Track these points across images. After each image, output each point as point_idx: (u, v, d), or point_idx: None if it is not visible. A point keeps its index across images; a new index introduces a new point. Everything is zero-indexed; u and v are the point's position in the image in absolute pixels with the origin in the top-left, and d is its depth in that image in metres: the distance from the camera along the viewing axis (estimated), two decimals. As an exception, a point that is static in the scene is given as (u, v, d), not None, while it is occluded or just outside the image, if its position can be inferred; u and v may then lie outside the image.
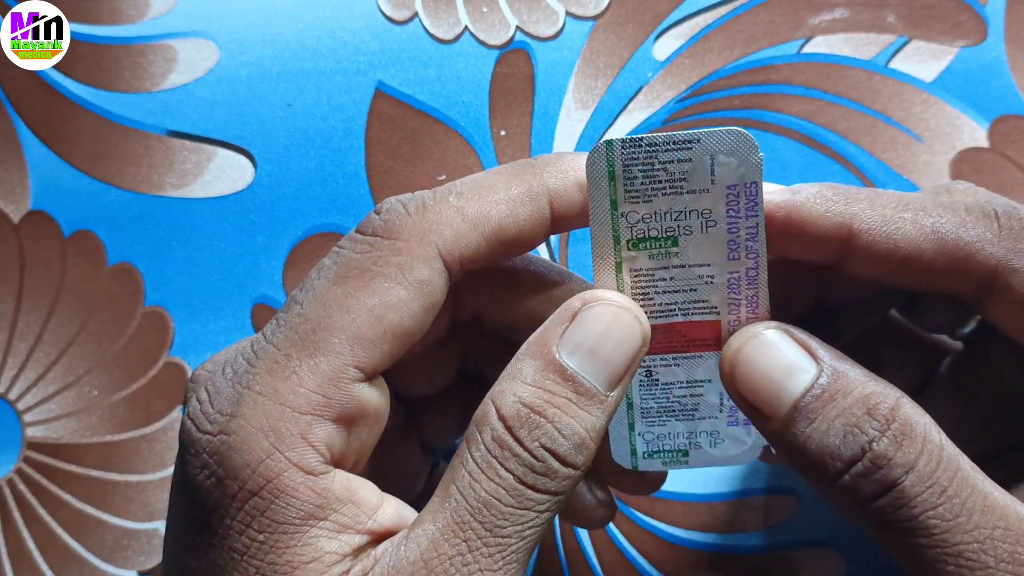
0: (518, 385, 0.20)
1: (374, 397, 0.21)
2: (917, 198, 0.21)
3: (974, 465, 0.20)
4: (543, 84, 0.34)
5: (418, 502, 0.22)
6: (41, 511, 0.31)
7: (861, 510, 0.20)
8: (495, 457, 0.20)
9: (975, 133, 0.33)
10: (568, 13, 0.34)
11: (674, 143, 0.20)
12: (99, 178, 0.33)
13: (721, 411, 0.23)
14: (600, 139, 0.21)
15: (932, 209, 0.21)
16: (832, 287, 0.24)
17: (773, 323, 0.22)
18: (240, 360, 0.20)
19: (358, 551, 0.20)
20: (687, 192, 0.21)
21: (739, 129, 0.20)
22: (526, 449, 0.20)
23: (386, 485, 0.22)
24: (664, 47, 0.34)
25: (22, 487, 0.32)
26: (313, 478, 0.20)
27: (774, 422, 0.20)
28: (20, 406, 0.32)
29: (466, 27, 0.34)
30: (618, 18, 0.34)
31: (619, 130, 0.33)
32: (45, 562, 0.31)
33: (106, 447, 0.32)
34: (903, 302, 0.26)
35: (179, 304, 0.33)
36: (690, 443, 0.24)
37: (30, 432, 0.32)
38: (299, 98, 0.34)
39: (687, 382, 0.23)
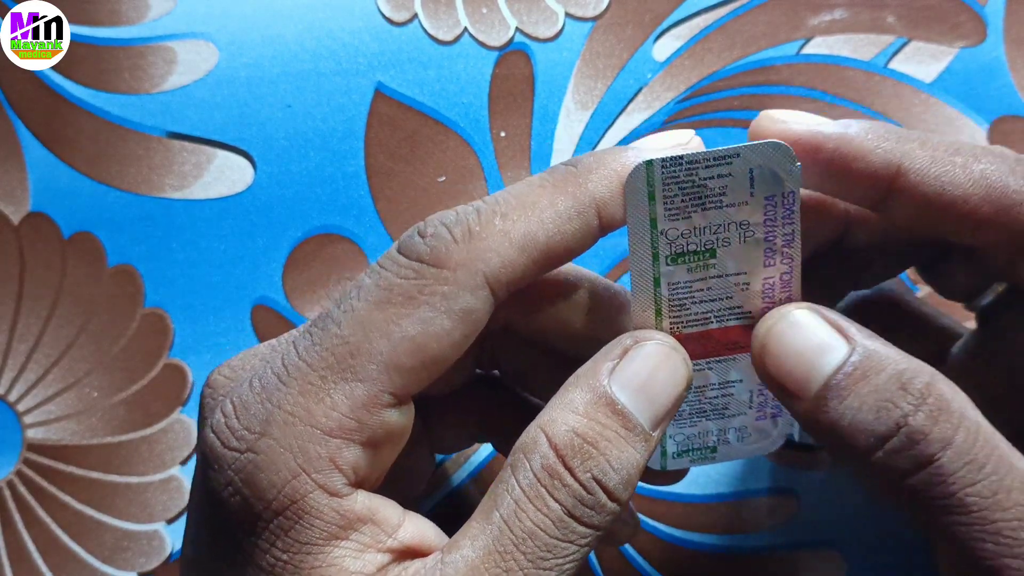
0: (569, 415, 0.20)
1: (402, 420, 0.21)
2: (967, 144, 0.21)
3: (1009, 443, 0.20)
4: (543, 85, 0.34)
5: (419, 502, 0.22)
6: (41, 513, 0.31)
7: (896, 488, 0.19)
8: (544, 486, 0.19)
9: (975, 134, 0.33)
10: (568, 14, 0.34)
11: (715, 159, 0.20)
12: (99, 180, 0.33)
13: (750, 407, 0.24)
14: (639, 159, 0.21)
15: (982, 156, 0.21)
16: (855, 229, 0.24)
17: (804, 304, 0.22)
18: (269, 375, 0.20)
19: (381, 569, 0.20)
20: (726, 206, 0.21)
21: (778, 140, 0.20)
22: (577, 480, 0.19)
23: (390, 485, 0.22)
24: (664, 48, 0.34)
25: (22, 489, 0.32)
26: (337, 499, 0.19)
27: (805, 401, 0.20)
28: (20, 408, 0.32)
29: (465, 28, 0.34)
30: (618, 19, 0.34)
31: (619, 131, 0.33)
32: (45, 564, 0.31)
33: (106, 449, 0.32)
34: (924, 261, 0.25)
35: (179, 305, 0.33)
36: (719, 440, 0.24)
37: (30, 434, 0.32)
38: (299, 99, 0.34)
39: (719, 384, 0.23)
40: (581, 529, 0.19)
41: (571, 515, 0.19)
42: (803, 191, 0.23)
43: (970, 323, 0.27)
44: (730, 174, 0.21)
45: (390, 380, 0.20)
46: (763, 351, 0.21)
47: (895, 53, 0.34)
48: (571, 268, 0.24)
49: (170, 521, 0.31)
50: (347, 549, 0.19)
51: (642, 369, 0.21)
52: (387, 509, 0.20)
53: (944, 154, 0.21)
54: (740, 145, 0.20)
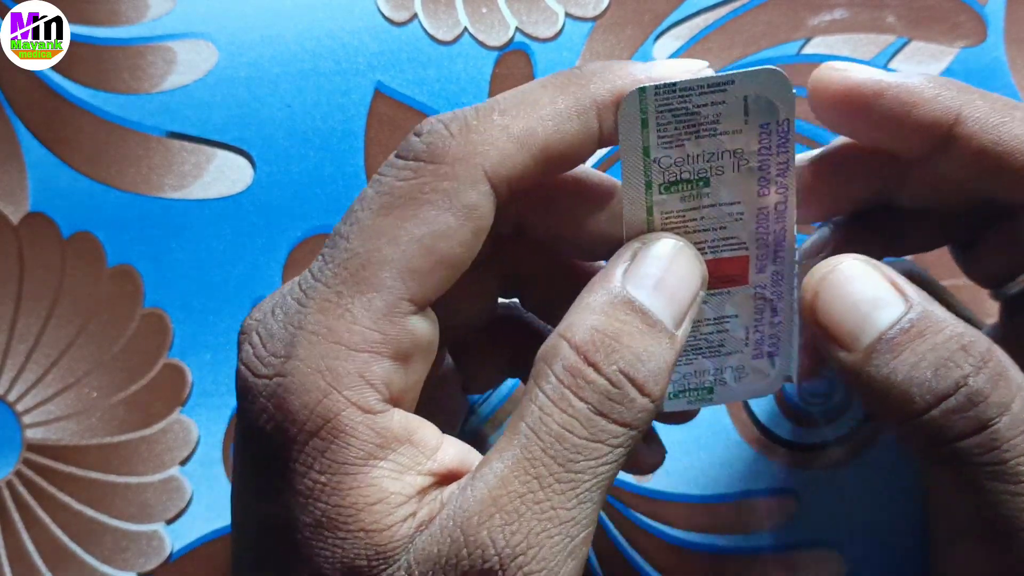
0: (588, 316, 0.20)
1: (427, 329, 0.20)
2: None
3: None
4: (542, 85, 0.34)
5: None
6: (40, 513, 0.31)
7: (944, 450, 0.19)
8: (567, 387, 0.19)
9: (975, 134, 0.33)
10: (567, 14, 0.34)
11: (709, 86, 0.20)
12: (98, 179, 0.33)
13: (747, 345, 0.23)
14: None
15: None
16: (901, 189, 0.24)
17: (861, 256, 0.21)
18: (289, 301, 0.20)
19: (422, 493, 0.19)
20: (720, 134, 0.21)
21: (773, 68, 0.20)
22: (602, 374, 0.19)
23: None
24: (664, 48, 0.34)
25: (21, 489, 0.32)
26: (372, 417, 0.19)
27: (854, 354, 0.20)
28: (19, 408, 0.32)
29: (465, 28, 0.34)
30: (617, 19, 0.34)
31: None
32: (44, 564, 0.31)
33: (105, 449, 0.32)
34: (962, 237, 0.25)
35: (178, 305, 0.33)
36: (716, 380, 0.24)
37: (29, 434, 0.32)
38: (298, 99, 0.34)
39: (715, 319, 0.23)
40: (611, 427, 0.19)
41: (599, 412, 0.19)
42: (857, 142, 0.23)
43: (991, 320, 0.27)
44: (724, 101, 0.21)
45: (405, 286, 0.19)
46: (815, 298, 0.21)
47: (895, 53, 0.34)
48: (582, 168, 0.23)
49: (169, 521, 0.31)
50: (386, 470, 0.19)
51: (655, 268, 0.21)
52: (424, 430, 0.20)
53: (1003, 107, 0.21)
54: (735, 72, 0.20)
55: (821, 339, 0.21)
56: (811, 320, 0.21)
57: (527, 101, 0.21)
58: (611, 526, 0.31)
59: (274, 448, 0.19)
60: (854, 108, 0.22)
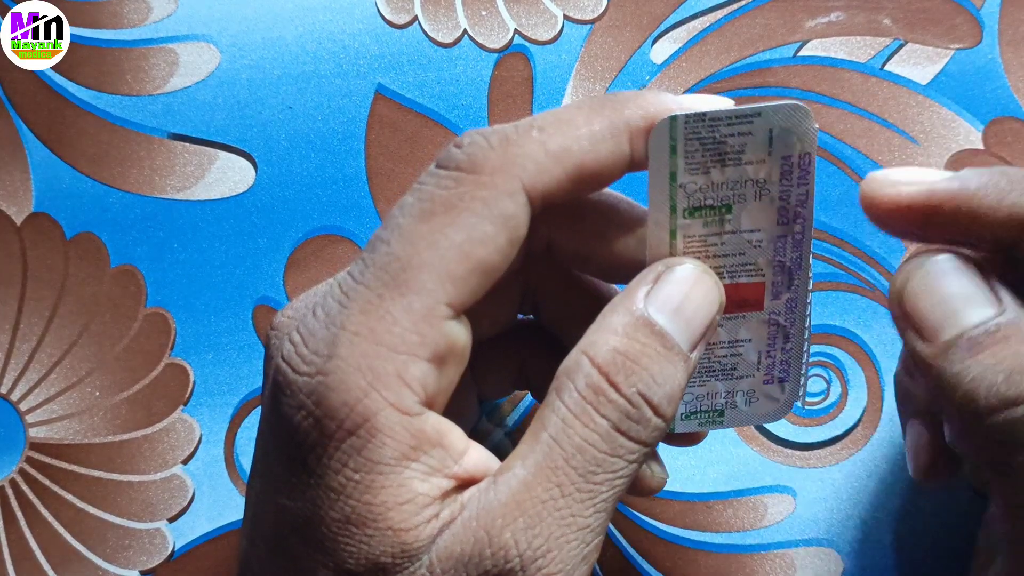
0: (610, 336, 0.20)
1: (462, 334, 0.21)
2: None
3: None
4: (542, 87, 0.34)
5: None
6: (44, 511, 0.32)
7: (1000, 450, 0.20)
8: (590, 403, 0.20)
9: (970, 135, 0.34)
10: (566, 17, 0.34)
11: (736, 117, 0.21)
12: (101, 180, 0.33)
13: (758, 369, 0.24)
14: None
15: None
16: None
17: (964, 251, 0.21)
18: (330, 302, 0.20)
19: (445, 495, 0.20)
20: (745, 163, 0.22)
21: (797, 102, 0.21)
22: (623, 395, 0.20)
23: None
24: (662, 50, 0.34)
25: (25, 487, 0.32)
26: (408, 418, 0.20)
27: (932, 345, 0.21)
28: (23, 407, 0.32)
29: (465, 31, 0.34)
30: (616, 21, 0.34)
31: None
32: (48, 562, 0.31)
33: (108, 447, 0.32)
34: None
35: (181, 306, 0.33)
36: (727, 402, 0.24)
37: (33, 433, 0.32)
38: (300, 101, 0.34)
39: (729, 342, 0.24)
40: (628, 444, 0.20)
41: (618, 429, 0.20)
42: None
43: None
44: (750, 132, 0.21)
45: (444, 290, 0.20)
46: (905, 284, 0.21)
47: (891, 55, 0.34)
48: (614, 194, 0.24)
49: (172, 519, 0.32)
50: (417, 471, 0.20)
51: (676, 292, 0.21)
52: (453, 434, 0.21)
53: None
54: (761, 105, 0.21)
55: (902, 324, 0.21)
56: (897, 304, 0.22)
57: (564, 120, 0.21)
58: (610, 524, 0.31)
59: (308, 444, 0.20)
60: (912, 223, 0.22)
